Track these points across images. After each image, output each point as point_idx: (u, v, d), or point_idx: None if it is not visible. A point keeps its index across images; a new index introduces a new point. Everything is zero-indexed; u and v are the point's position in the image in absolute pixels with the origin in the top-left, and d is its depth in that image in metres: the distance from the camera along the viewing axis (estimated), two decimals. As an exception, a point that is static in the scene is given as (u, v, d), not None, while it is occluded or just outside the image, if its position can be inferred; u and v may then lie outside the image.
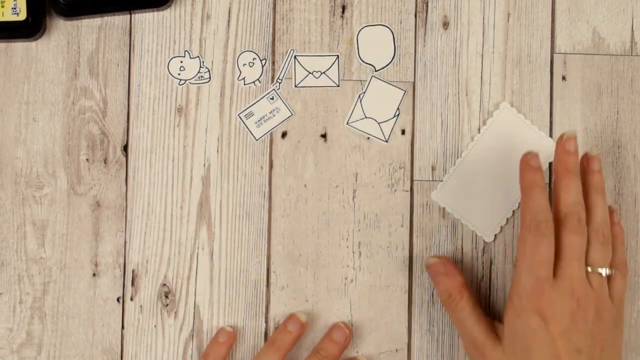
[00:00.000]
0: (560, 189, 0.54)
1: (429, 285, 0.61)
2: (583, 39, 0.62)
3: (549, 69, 0.62)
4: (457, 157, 0.61)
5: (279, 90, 0.62)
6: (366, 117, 0.62)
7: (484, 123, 0.61)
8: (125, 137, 0.61)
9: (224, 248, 0.61)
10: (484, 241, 0.61)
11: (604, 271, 0.53)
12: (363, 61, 0.62)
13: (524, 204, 0.54)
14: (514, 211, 0.61)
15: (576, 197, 0.54)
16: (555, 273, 0.52)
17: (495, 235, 0.61)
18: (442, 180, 0.61)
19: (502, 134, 0.61)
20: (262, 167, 0.61)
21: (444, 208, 0.61)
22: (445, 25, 0.62)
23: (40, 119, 0.61)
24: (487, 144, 0.61)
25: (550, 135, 0.62)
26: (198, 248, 0.61)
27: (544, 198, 0.53)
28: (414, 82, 0.62)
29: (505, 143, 0.60)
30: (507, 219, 0.61)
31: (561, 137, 0.55)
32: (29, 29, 0.60)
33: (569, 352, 0.51)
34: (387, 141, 0.62)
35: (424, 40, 0.62)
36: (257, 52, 0.62)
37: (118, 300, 0.60)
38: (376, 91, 0.62)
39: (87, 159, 0.61)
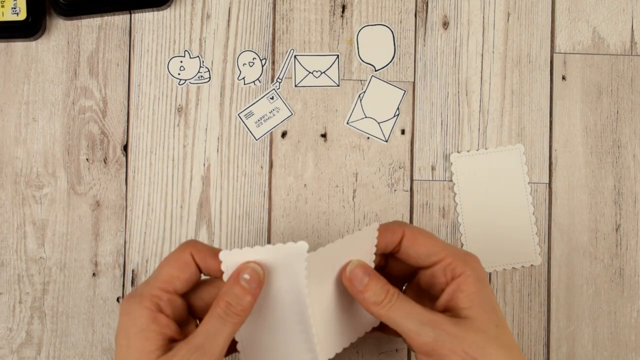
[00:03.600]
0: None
1: (429, 285, 0.61)
2: (583, 39, 0.62)
3: (548, 69, 0.62)
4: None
5: (279, 89, 0.62)
6: (366, 117, 0.62)
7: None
8: (125, 137, 0.61)
9: (223, 248, 0.61)
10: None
11: None
12: (363, 61, 0.62)
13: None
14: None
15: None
16: None
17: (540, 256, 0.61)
18: (443, 181, 0.61)
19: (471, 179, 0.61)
20: (262, 167, 0.61)
21: (443, 208, 0.61)
22: (445, 25, 0.62)
23: (40, 119, 0.61)
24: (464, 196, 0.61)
25: (550, 134, 0.62)
26: (198, 248, 0.61)
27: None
28: (413, 82, 0.62)
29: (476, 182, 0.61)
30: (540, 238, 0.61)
31: None
32: (29, 28, 0.60)
33: None
34: (387, 141, 0.62)
35: (424, 40, 0.62)
36: (257, 52, 0.62)
37: (118, 300, 0.60)
38: (376, 91, 0.62)
39: (87, 159, 0.61)
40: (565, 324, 0.61)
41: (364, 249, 0.50)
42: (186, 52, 0.61)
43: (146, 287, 0.48)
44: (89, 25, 0.61)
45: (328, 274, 0.49)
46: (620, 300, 0.61)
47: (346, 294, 0.51)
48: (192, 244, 0.49)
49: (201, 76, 0.61)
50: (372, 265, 0.50)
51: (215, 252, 0.48)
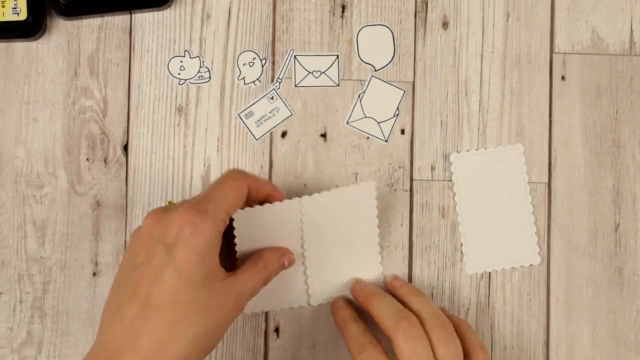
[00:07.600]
0: (375, 311, 0.54)
1: (428, 285, 0.61)
2: (582, 39, 0.62)
3: (548, 69, 0.62)
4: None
5: (279, 89, 0.62)
6: (366, 117, 0.62)
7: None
8: (126, 136, 0.61)
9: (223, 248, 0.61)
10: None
11: None
12: (363, 61, 0.62)
13: (345, 338, 0.55)
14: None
15: (394, 308, 0.53)
16: None
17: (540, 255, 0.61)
18: (445, 180, 0.61)
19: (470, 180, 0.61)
20: (262, 167, 0.61)
21: (443, 208, 0.61)
22: (445, 25, 0.62)
23: (40, 119, 0.61)
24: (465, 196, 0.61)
25: (550, 134, 0.62)
26: (198, 247, 0.61)
27: (359, 326, 0.55)
28: (413, 82, 0.62)
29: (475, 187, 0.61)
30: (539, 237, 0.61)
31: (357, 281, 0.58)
32: (29, 28, 0.60)
33: None
34: (386, 141, 0.62)
35: (424, 40, 0.62)
36: (257, 52, 0.62)
37: (118, 299, 0.60)
38: (376, 91, 0.62)
39: (87, 159, 0.61)
40: (565, 323, 0.61)
41: (363, 208, 0.57)
42: (186, 52, 0.62)
43: (217, 208, 0.49)
44: (89, 26, 0.61)
45: (325, 225, 0.57)
46: (619, 300, 0.61)
47: (343, 255, 0.58)
48: (248, 177, 0.52)
49: (201, 76, 0.62)
50: (376, 222, 0.58)
51: (262, 184, 0.54)
